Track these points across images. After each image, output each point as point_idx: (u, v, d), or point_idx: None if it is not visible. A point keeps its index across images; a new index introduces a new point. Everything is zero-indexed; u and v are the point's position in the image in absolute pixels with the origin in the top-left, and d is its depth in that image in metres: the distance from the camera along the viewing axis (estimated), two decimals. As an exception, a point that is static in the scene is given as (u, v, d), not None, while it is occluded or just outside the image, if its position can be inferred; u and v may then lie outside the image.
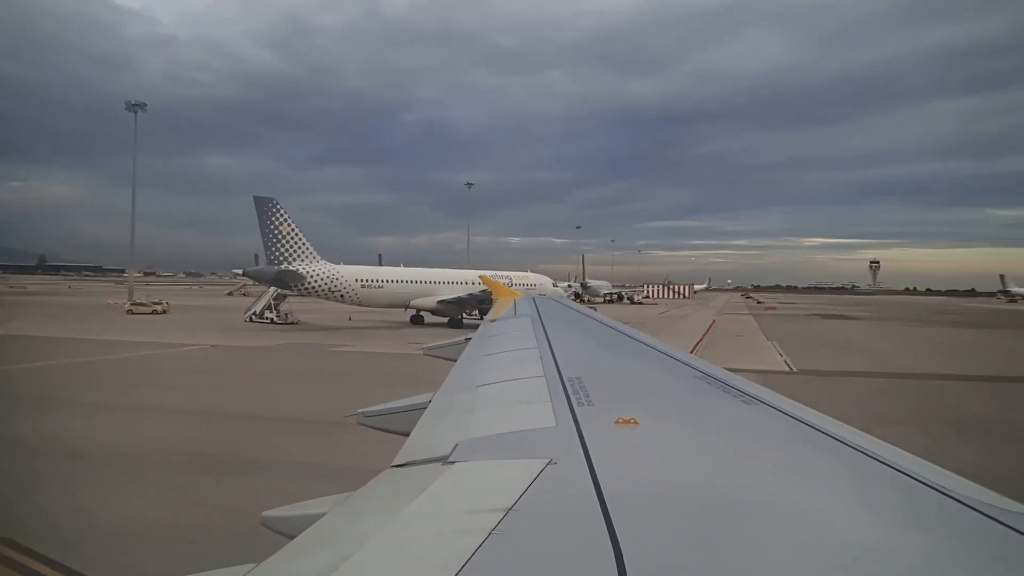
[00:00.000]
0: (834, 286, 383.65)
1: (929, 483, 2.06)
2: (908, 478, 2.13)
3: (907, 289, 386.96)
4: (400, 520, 1.89)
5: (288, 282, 48.86)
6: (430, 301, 52.69)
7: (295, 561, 1.78)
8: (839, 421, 2.88)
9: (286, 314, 51.98)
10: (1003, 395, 25.06)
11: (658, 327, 54.04)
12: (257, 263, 53.72)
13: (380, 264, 63.45)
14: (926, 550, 1.66)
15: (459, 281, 55.04)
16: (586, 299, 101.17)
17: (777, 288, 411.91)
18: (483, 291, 51.08)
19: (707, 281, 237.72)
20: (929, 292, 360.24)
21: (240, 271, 52.94)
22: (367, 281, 51.70)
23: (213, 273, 58.19)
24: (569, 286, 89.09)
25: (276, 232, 48.01)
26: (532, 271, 64.60)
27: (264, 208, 47.53)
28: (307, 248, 49.32)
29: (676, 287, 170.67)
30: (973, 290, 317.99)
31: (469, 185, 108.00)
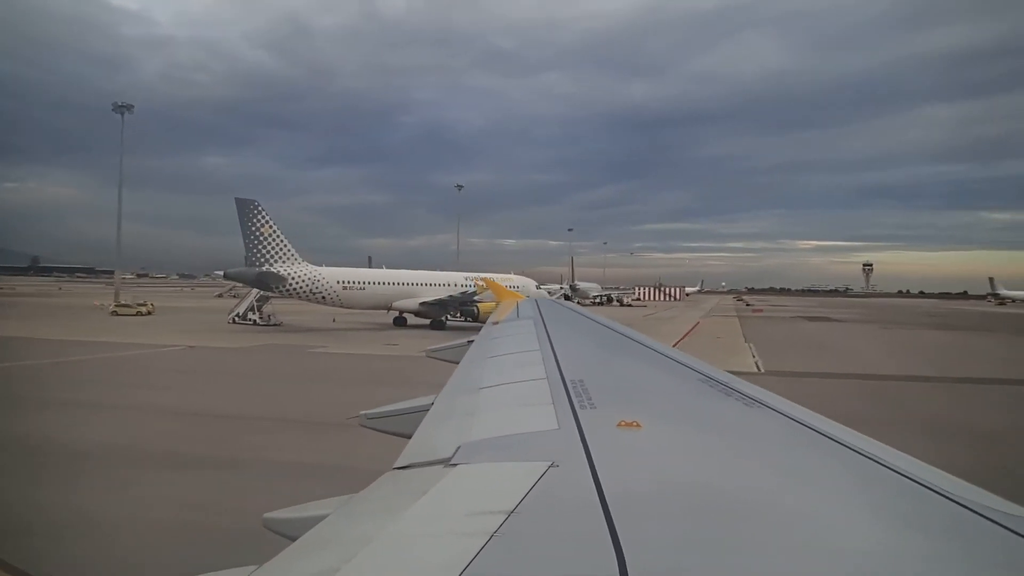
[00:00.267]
0: (828, 289, 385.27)
1: (931, 486, 2.06)
2: (910, 481, 2.13)
3: (900, 292, 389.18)
4: (402, 522, 1.89)
5: (269, 284, 49.11)
6: (412, 303, 52.98)
7: (297, 563, 1.79)
8: (842, 424, 2.90)
9: (269, 316, 52.20)
10: (955, 395, 25.50)
11: (642, 328, 53.77)
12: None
13: (370, 266, 63.91)
14: (927, 553, 1.66)
15: (441, 283, 55.38)
16: (575, 301, 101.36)
17: (771, 291, 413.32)
18: (463, 293, 51.47)
19: (700, 284, 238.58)
20: (922, 295, 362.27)
21: (221, 273, 53.04)
22: (348, 283, 51.97)
23: (206, 275, 58.51)
24: (561, 288, 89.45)
25: (258, 234, 48.28)
26: (518, 273, 65.06)
27: (246, 210, 47.80)
28: (288, 250, 49.60)
29: (667, 289, 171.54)
30: (966, 293, 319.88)
31: (459, 187, 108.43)
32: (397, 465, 2.55)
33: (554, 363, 4.52)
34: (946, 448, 15.37)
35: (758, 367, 31.58)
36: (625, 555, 1.47)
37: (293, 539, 1.96)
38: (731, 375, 4.12)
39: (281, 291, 49.91)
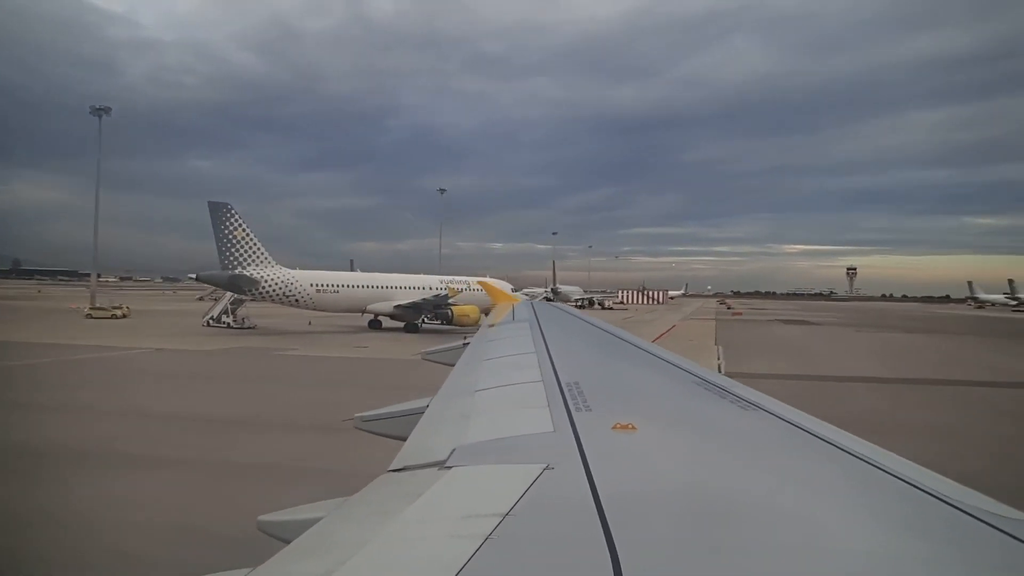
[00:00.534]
0: (813, 292, 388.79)
1: (927, 490, 2.07)
2: (906, 484, 2.14)
3: (884, 296, 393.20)
4: (397, 525, 1.90)
5: (242, 287, 49.23)
6: (387, 306, 53.22)
7: (291, 565, 1.79)
8: (837, 427, 2.92)
9: (243, 319, 52.24)
10: (905, 396, 26.19)
11: (614, 332, 54.92)
12: None
13: (351, 269, 64.13)
14: (924, 557, 1.67)
15: (416, 286, 55.63)
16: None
17: (757, 294, 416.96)
18: (437, 296, 51.78)
19: (684, 287, 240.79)
20: (905, 298, 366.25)
21: (194, 275, 53.10)
22: (322, 286, 52.19)
23: (190, 277, 57.99)
24: (543, 292, 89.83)
25: (230, 237, 48.45)
26: (503, 278, 65.37)
27: (218, 213, 47.96)
28: (262, 253, 49.77)
29: (650, 293, 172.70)
30: (948, 296, 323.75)
31: (442, 191, 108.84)
32: (392, 467, 2.55)
33: (549, 366, 4.55)
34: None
35: (720, 368, 32.19)
36: (620, 558, 1.48)
37: (287, 541, 1.97)
38: (727, 378, 4.14)
39: (254, 294, 50.05)
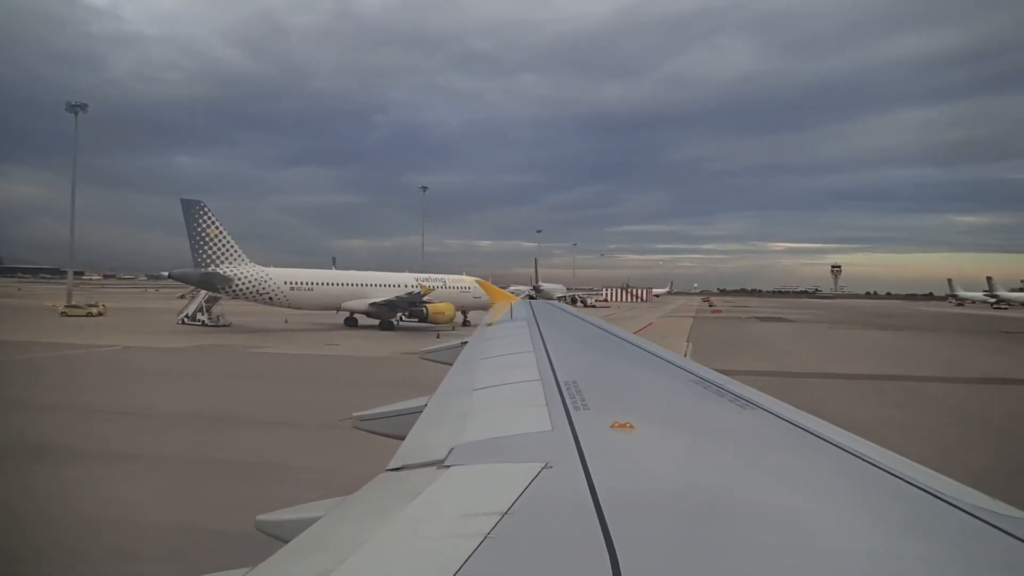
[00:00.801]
0: (798, 290, 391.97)
1: (925, 488, 2.08)
2: (904, 483, 2.15)
3: (868, 293, 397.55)
4: (396, 524, 1.89)
5: (215, 284, 49.29)
6: (362, 303, 53.46)
7: (290, 565, 1.80)
8: (835, 426, 2.94)
9: (218, 316, 52.30)
10: (852, 391, 26.88)
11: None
12: None
13: (334, 267, 64.31)
14: (922, 555, 1.67)
15: (391, 284, 55.87)
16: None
17: (743, 292, 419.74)
18: (410, 293, 52.09)
19: (669, 285, 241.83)
20: (889, 296, 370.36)
21: (167, 273, 53.10)
22: (296, 284, 52.34)
23: (163, 275, 57.59)
24: (527, 289, 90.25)
25: (203, 235, 48.50)
26: (467, 274, 65.76)
27: (191, 211, 47.99)
28: (235, 251, 49.86)
29: (634, 291, 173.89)
30: (931, 294, 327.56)
31: (424, 188, 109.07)
32: (390, 467, 2.56)
33: (548, 364, 4.56)
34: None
35: (681, 365, 32.75)
36: (618, 556, 1.48)
37: (286, 541, 1.98)
38: (725, 377, 4.16)
39: (227, 292, 50.11)
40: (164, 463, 13.85)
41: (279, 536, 2.21)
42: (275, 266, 53.45)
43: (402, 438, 3.07)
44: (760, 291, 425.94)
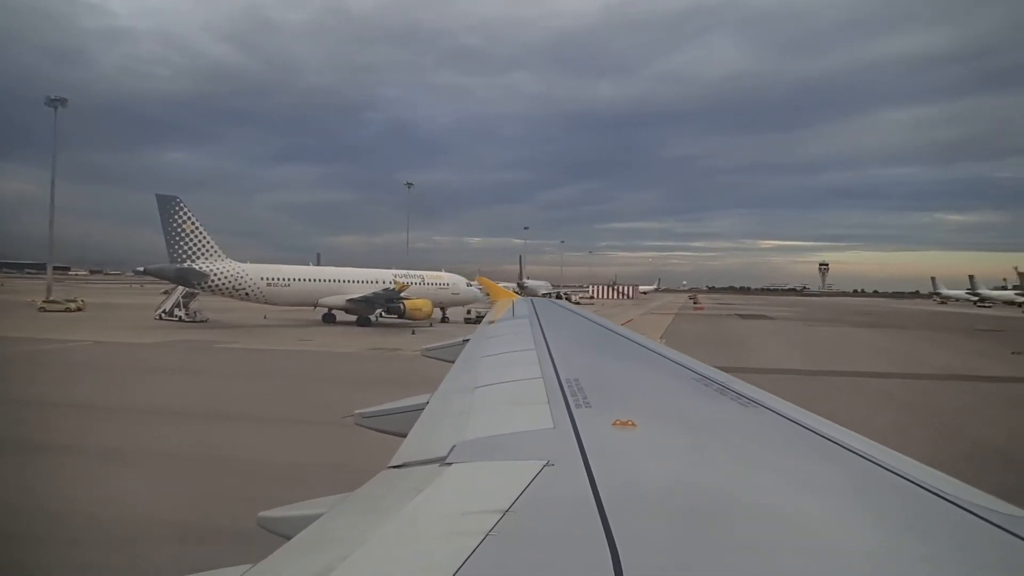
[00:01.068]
0: (786, 288, 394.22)
1: (928, 487, 2.08)
2: (907, 482, 2.15)
3: (856, 291, 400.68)
4: (397, 521, 1.90)
5: (190, 280, 49.51)
6: (339, 299, 53.78)
7: (292, 562, 1.80)
8: (838, 425, 2.95)
9: (195, 312, 52.45)
10: (809, 386, 27.48)
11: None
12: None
13: (318, 263, 64.63)
14: (924, 555, 1.67)
15: (369, 280, 56.20)
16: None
17: (732, 289, 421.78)
18: (387, 290, 52.45)
19: (657, 282, 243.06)
20: (876, 294, 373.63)
21: (142, 269, 53.23)
22: (273, 279, 52.60)
23: (138, 271, 57.32)
24: (512, 286, 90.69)
25: (179, 230, 48.68)
26: (446, 271, 66.11)
27: (167, 207, 48.16)
28: (211, 246, 50.07)
29: (620, 288, 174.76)
30: (918, 292, 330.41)
31: (409, 185, 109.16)
32: (392, 464, 2.56)
33: (549, 362, 4.56)
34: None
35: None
36: (620, 554, 1.48)
37: (288, 538, 1.98)
38: (727, 375, 4.18)
39: (203, 288, 50.34)
40: (79, 454, 14.21)
41: (281, 533, 2.22)
42: (271, 263, 54.09)
43: (404, 435, 3.07)
44: (749, 289, 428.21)
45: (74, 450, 14.34)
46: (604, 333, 7.59)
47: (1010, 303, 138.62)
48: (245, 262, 52.67)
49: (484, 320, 10.31)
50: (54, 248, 72.38)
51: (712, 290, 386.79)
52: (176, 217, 48.50)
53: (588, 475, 2.05)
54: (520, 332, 6.94)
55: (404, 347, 37.37)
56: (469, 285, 63.37)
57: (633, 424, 2.69)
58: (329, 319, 55.32)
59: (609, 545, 1.53)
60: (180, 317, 51.30)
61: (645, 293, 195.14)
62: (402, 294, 52.37)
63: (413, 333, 46.20)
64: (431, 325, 53.77)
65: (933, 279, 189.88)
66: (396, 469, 2.51)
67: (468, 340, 7.35)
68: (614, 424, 2.69)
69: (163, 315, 51.81)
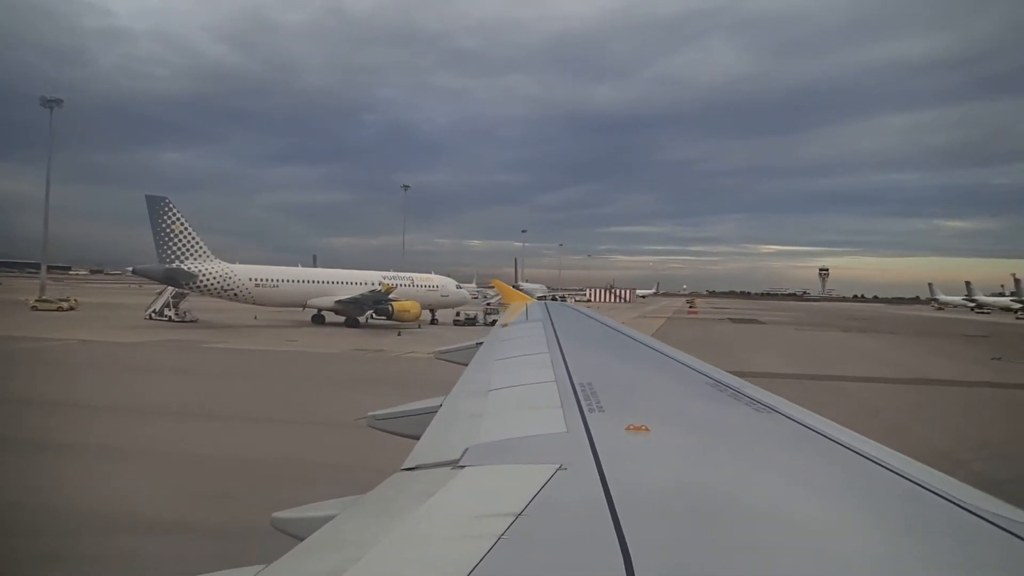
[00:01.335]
0: (786, 292, 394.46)
1: (944, 495, 2.06)
2: (922, 489, 2.13)
3: (856, 296, 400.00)
4: (409, 524, 1.90)
5: (179, 280, 49.96)
6: (328, 301, 54.18)
7: (304, 563, 1.81)
8: (852, 431, 2.93)
9: (184, 312, 52.93)
10: (773, 388, 27.78)
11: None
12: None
13: (314, 265, 65.26)
14: (937, 562, 1.66)
15: (357, 282, 56.57)
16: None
17: (732, 294, 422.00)
18: (374, 291, 52.83)
19: (655, 286, 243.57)
20: (876, 299, 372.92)
21: (131, 269, 53.71)
22: (261, 280, 53.03)
23: (127, 271, 57.89)
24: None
25: (168, 231, 49.16)
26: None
27: (156, 207, 48.66)
28: (200, 247, 50.53)
29: (617, 292, 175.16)
30: (917, 298, 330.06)
31: (405, 188, 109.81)
32: (405, 466, 2.57)
33: (563, 366, 4.55)
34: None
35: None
36: (633, 560, 1.48)
37: (301, 539, 2.00)
38: (741, 380, 4.17)
39: (191, 288, 50.78)
40: (24, 446, 14.57)
41: (294, 534, 2.23)
42: (270, 264, 54.88)
43: (417, 438, 3.08)
44: (749, 293, 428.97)
45: (20, 443, 14.73)
46: (618, 337, 7.57)
47: (1007, 309, 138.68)
48: (235, 263, 53.15)
49: (497, 323, 10.40)
50: (53, 248, 73.45)
51: (712, 294, 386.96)
52: (165, 218, 48.97)
53: (601, 480, 2.05)
54: (534, 335, 6.94)
55: (388, 349, 37.77)
56: (459, 287, 63.74)
57: (646, 429, 2.68)
58: (319, 320, 55.71)
59: (622, 551, 1.53)
60: (170, 317, 51.74)
61: (643, 297, 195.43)
62: (390, 296, 52.77)
63: (399, 335, 46.59)
64: (419, 327, 54.13)
65: (930, 285, 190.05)
66: (409, 472, 2.52)
67: (481, 343, 7.40)
68: (627, 429, 2.68)
69: (153, 315, 52.25)
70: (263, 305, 55.18)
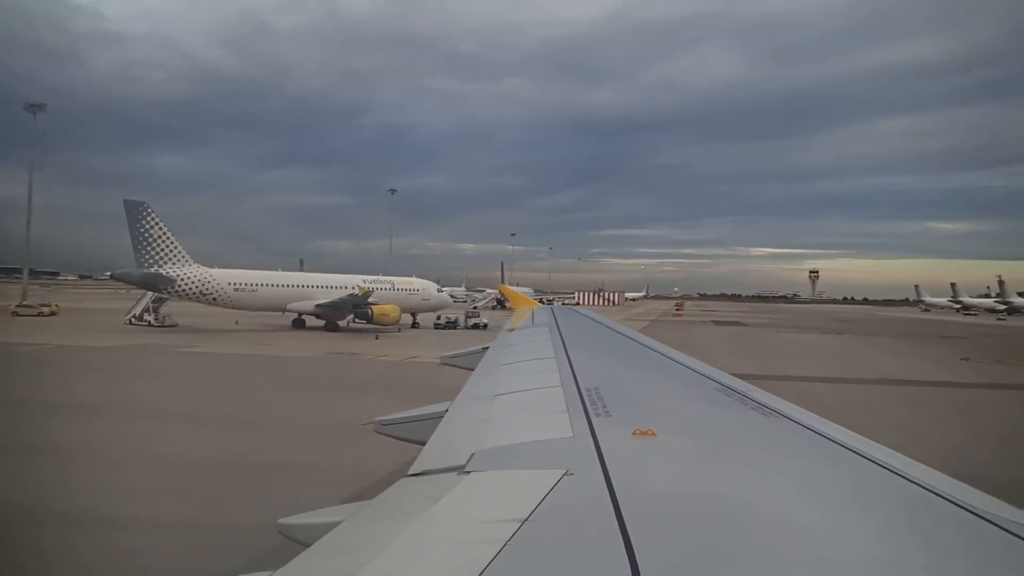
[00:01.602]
0: (776, 295, 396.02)
1: (951, 498, 2.06)
2: (929, 493, 2.13)
3: (846, 298, 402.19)
4: (416, 529, 1.91)
5: (157, 285, 50.05)
6: (307, 305, 54.29)
7: (311, 568, 1.82)
8: (860, 435, 2.93)
9: (164, 317, 52.93)
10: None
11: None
12: None
13: (301, 269, 65.41)
14: (943, 566, 1.66)
15: (336, 286, 56.70)
16: (506, 304, 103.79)
17: (723, 296, 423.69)
18: (352, 295, 53.05)
19: (645, 289, 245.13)
20: (866, 301, 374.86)
21: (109, 274, 53.82)
22: (240, 285, 53.15)
23: (106, 275, 58.04)
24: (496, 292, 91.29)
25: (147, 236, 49.29)
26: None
27: (134, 212, 48.79)
28: (178, 251, 50.67)
29: (606, 295, 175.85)
30: (907, 300, 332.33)
31: (392, 191, 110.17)
32: (411, 472, 2.57)
33: (569, 371, 4.54)
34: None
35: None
36: (639, 565, 1.47)
37: (307, 545, 2.00)
38: (748, 384, 4.15)
39: (170, 292, 50.88)
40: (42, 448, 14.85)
41: (300, 540, 2.25)
42: (264, 268, 55.18)
43: (423, 443, 3.09)
44: (740, 296, 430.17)
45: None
46: (624, 342, 7.58)
47: (991, 311, 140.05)
48: (213, 267, 53.28)
49: (504, 328, 10.54)
50: (42, 253, 73.57)
51: (703, 297, 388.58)
52: (144, 222, 49.11)
53: (607, 485, 2.05)
54: (540, 340, 6.96)
55: (363, 352, 38.03)
56: (440, 291, 64.00)
57: (653, 434, 2.67)
58: (299, 324, 55.85)
59: (628, 556, 1.53)
60: (149, 322, 51.75)
61: (633, 300, 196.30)
62: (369, 299, 52.98)
63: (377, 338, 46.84)
64: (399, 331, 54.36)
65: (917, 287, 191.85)
66: (415, 477, 2.53)
67: (488, 348, 7.41)
68: (634, 434, 2.68)
69: (133, 320, 52.30)
70: (242, 309, 55.27)
